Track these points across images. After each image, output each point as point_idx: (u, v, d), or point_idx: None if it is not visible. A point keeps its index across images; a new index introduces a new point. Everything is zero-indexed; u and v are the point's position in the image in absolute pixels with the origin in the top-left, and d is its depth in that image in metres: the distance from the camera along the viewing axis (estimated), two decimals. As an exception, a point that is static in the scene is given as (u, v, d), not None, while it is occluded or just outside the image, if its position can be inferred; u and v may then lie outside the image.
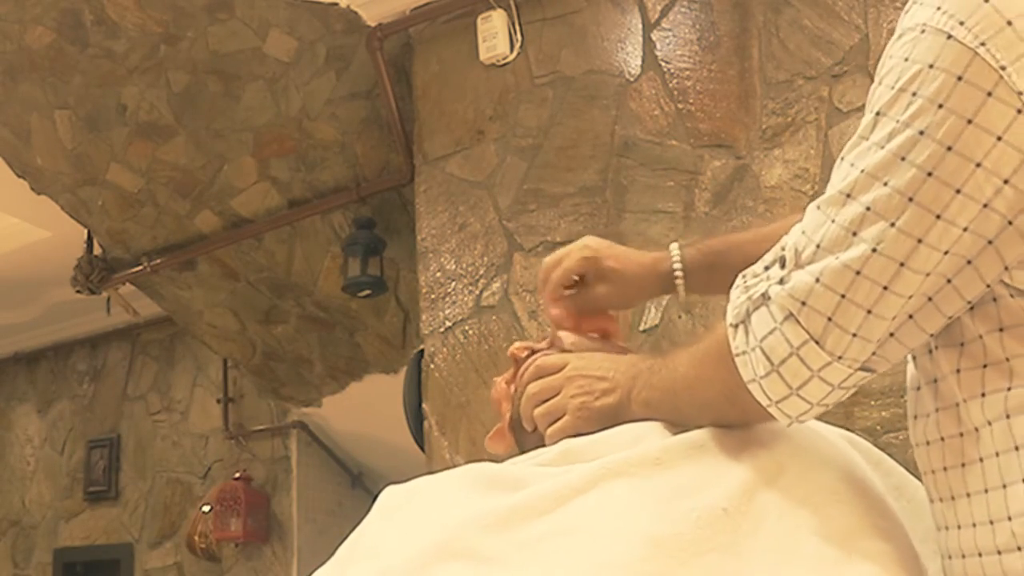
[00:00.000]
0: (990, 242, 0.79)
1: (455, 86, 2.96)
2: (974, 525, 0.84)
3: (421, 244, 2.97)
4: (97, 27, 3.08)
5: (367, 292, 3.42)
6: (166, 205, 3.60)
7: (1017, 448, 0.81)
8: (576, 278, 1.21)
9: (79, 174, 3.54)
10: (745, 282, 0.88)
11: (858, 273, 0.79)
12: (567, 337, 1.20)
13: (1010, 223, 0.78)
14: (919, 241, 0.78)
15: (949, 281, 0.81)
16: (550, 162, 2.74)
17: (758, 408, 0.87)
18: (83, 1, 3.03)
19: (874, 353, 0.83)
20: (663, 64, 2.60)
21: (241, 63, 3.18)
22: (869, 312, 0.80)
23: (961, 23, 0.77)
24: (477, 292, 2.84)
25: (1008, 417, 0.81)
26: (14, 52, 3.18)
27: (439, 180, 2.96)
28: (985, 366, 0.83)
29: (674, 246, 1.19)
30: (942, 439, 0.87)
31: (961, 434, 0.85)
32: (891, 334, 0.82)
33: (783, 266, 0.84)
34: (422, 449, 2.93)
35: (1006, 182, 0.77)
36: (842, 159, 0.84)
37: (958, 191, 0.77)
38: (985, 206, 0.77)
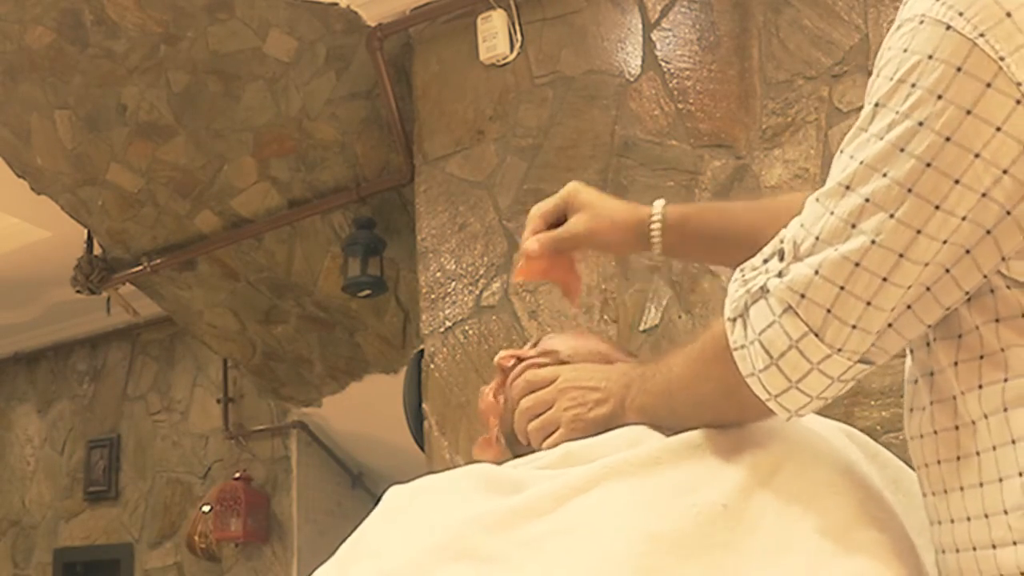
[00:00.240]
0: (988, 232, 0.79)
1: (455, 86, 2.96)
2: (968, 519, 0.84)
3: (421, 244, 2.97)
4: (97, 27, 3.08)
5: (367, 292, 3.42)
6: (166, 205, 3.60)
7: (1014, 442, 0.80)
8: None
9: (79, 174, 3.54)
10: (743, 275, 0.88)
11: (857, 265, 0.79)
12: (564, 347, 1.20)
13: (1008, 213, 0.78)
14: (918, 232, 0.78)
15: (948, 271, 0.81)
16: (550, 162, 2.74)
17: (756, 403, 0.86)
18: (83, 1, 3.02)
19: (873, 345, 0.83)
20: (663, 64, 2.60)
21: (241, 63, 3.18)
22: (869, 304, 0.80)
23: (960, 14, 0.77)
24: (477, 292, 2.84)
25: (1006, 410, 0.81)
26: (14, 52, 3.18)
27: (439, 180, 2.95)
28: (982, 357, 0.83)
29: (658, 202, 1.16)
30: (935, 432, 0.87)
31: (956, 427, 0.85)
32: (890, 325, 0.82)
33: (782, 259, 0.84)
34: (422, 449, 2.93)
35: (1005, 172, 0.77)
36: (841, 151, 0.84)
37: (957, 181, 0.77)
38: (984, 196, 0.77)
